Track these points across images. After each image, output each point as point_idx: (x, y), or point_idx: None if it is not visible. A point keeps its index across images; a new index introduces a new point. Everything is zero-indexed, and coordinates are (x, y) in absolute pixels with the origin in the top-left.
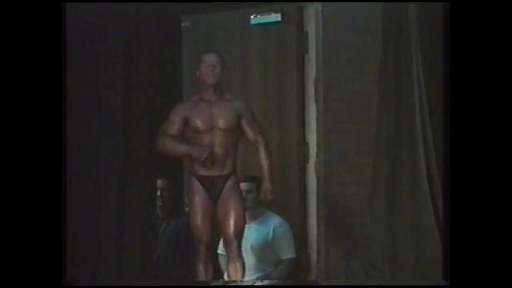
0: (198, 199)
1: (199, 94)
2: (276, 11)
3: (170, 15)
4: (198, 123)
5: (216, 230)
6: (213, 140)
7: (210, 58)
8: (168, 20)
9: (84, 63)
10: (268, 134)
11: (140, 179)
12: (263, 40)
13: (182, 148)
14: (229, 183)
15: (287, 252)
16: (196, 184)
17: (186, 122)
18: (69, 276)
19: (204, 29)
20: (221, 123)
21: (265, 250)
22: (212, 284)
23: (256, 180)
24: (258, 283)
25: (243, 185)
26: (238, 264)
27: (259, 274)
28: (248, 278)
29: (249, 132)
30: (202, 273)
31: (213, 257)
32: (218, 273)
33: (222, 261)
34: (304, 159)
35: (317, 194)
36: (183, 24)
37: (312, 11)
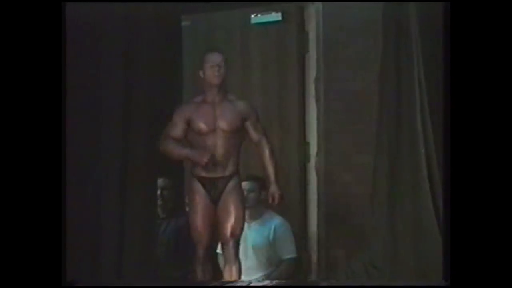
0: (198, 200)
1: (202, 95)
2: (276, 11)
3: (170, 14)
4: (201, 125)
5: (214, 230)
6: (216, 141)
7: (215, 58)
8: (168, 19)
9: (84, 63)
10: (269, 134)
11: (140, 178)
12: (263, 40)
13: (184, 152)
14: (230, 185)
15: (288, 252)
16: (197, 186)
17: (189, 124)
18: (70, 276)
19: (205, 28)
20: (224, 125)
21: (265, 250)
22: (211, 284)
23: (258, 180)
24: (258, 283)
25: (245, 184)
26: (234, 266)
27: (259, 274)
28: (249, 278)
29: (253, 134)
30: (200, 274)
31: (212, 258)
32: (218, 272)
33: (221, 261)
34: (305, 158)
35: (318, 193)
36: (183, 23)
37: (312, 11)
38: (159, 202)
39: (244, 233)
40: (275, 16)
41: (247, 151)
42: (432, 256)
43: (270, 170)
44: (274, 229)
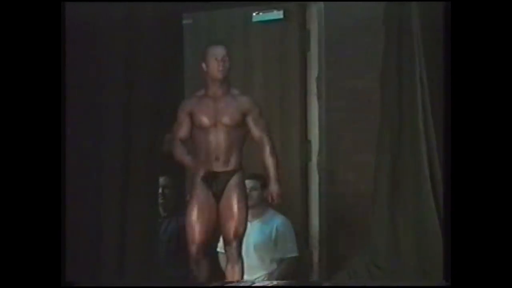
0: (199, 192)
1: (204, 89)
2: (278, 9)
3: (172, 13)
4: (203, 119)
5: (215, 227)
6: (218, 136)
7: (219, 52)
8: (169, 18)
9: (86, 61)
10: (270, 132)
11: (142, 176)
12: (265, 38)
13: (186, 160)
14: (233, 180)
15: (290, 251)
16: (199, 179)
17: (191, 117)
18: (71, 274)
19: (206, 26)
20: (225, 119)
21: (267, 249)
22: (211, 285)
23: (261, 178)
24: (259, 283)
25: (248, 182)
26: (236, 266)
27: (261, 273)
28: (250, 277)
29: (254, 130)
30: (196, 273)
31: (210, 257)
32: (218, 272)
33: (222, 260)
34: (306, 157)
35: (319, 192)
36: (184, 22)
37: (314, 9)
38: (161, 200)
39: (246, 231)
40: (277, 15)
41: (250, 149)
42: (434, 255)
43: (270, 168)
44: (276, 228)
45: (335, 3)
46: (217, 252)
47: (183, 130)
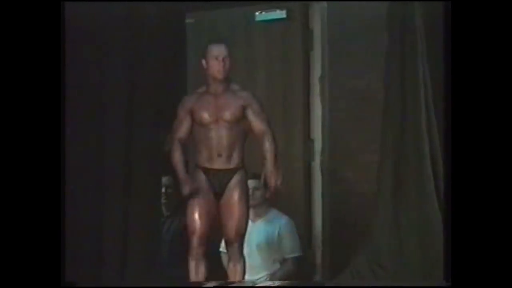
0: (200, 189)
1: (205, 86)
2: (281, 8)
3: (175, 12)
4: (204, 115)
5: (216, 226)
6: (219, 132)
7: (220, 51)
8: (172, 17)
9: (87, 61)
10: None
11: (145, 176)
12: (268, 37)
13: (180, 170)
14: (235, 179)
15: (293, 250)
16: (201, 176)
17: (192, 115)
18: (73, 274)
19: (209, 26)
20: (226, 114)
21: (270, 249)
22: (212, 285)
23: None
24: (261, 283)
25: (251, 182)
26: (238, 266)
27: (264, 273)
28: (253, 277)
29: (255, 122)
30: (193, 272)
31: (209, 255)
32: (221, 272)
33: (224, 260)
34: (309, 157)
35: (322, 192)
36: (187, 21)
37: (317, 8)
38: (163, 200)
39: (248, 231)
40: (280, 14)
41: (252, 149)
42: (438, 255)
43: (269, 153)
44: (279, 228)
45: (338, 2)
46: (220, 252)
47: (183, 129)
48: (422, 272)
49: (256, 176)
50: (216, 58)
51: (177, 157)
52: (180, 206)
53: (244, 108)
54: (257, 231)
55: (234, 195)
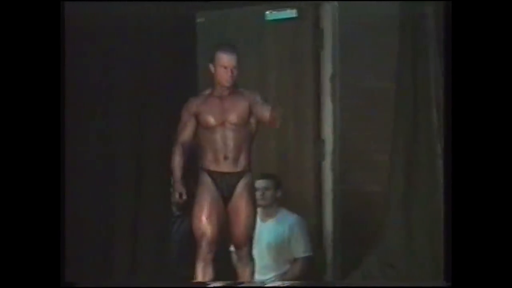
0: (206, 192)
1: (211, 89)
2: (291, 7)
3: (185, 11)
4: (209, 118)
5: (224, 229)
6: (225, 135)
7: (229, 60)
8: (183, 16)
9: (95, 61)
10: (284, 131)
11: (155, 175)
12: (278, 37)
13: (175, 174)
14: (242, 182)
15: (303, 250)
16: (207, 179)
17: (197, 118)
18: (81, 274)
19: (219, 25)
20: (232, 117)
21: (281, 248)
22: (220, 285)
23: (273, 178)
24: (270, 283)
25: (261, 182)
26: (247, 268)
27: (274, 273)
28: (263, 277)
29: (262, 111)
30: (200, 273)
31: (218, 258)
32: (231, 270)
33: (234, 259)
34: (320, 156)
35: (333, 192)
36: (198, 20)
37: (328, 8)
38: (173, 200)
39: (259, 231)
40: (290, 13)
41: (259, 150)
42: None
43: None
44: (290, 228)
45: (349, 1)
46: (230, 251)
47: (186, 133)
48: (433, 272)
49: (266, 176)
50: (225, 67)
51: (176, 161)
52: (190, 206)
53: (250, 106)
54: (267, 231)
55: (241, 201)
